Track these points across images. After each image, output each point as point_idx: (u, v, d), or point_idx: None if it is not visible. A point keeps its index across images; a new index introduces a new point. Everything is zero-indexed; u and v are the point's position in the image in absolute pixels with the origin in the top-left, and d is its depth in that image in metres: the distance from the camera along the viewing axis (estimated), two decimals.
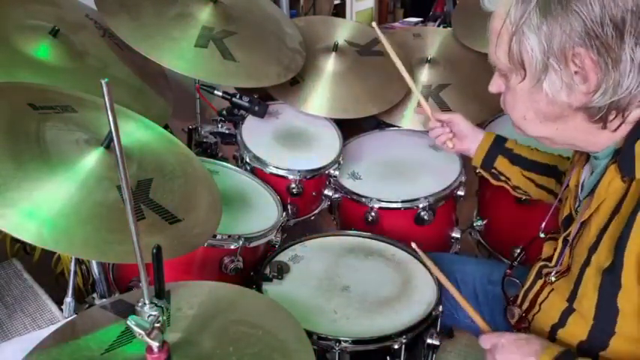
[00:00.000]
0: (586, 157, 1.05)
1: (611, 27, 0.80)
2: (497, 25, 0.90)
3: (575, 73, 0.85)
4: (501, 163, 1.40)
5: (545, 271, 1.08)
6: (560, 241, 1.05)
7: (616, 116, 0.87)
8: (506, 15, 0.87)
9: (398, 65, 1.55)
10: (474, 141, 1.44)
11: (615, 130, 0.89)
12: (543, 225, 1.16)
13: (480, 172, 1.49)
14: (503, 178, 1.41)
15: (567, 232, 1.03)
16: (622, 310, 0.90)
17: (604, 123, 0.88)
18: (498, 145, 1.40)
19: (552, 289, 1.05)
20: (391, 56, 1.56)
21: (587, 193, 1.00)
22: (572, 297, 0.98)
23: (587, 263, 0.94)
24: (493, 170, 1.41)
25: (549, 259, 1.09)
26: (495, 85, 1.00)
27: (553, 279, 1.04)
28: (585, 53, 0.82)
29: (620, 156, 0.90)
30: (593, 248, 0.93)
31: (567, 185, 1.10)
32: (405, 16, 3.87)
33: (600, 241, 0.91)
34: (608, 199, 0.91)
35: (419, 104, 1.58)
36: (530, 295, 1.10)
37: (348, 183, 1.78)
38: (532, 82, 0.89)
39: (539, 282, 1.09)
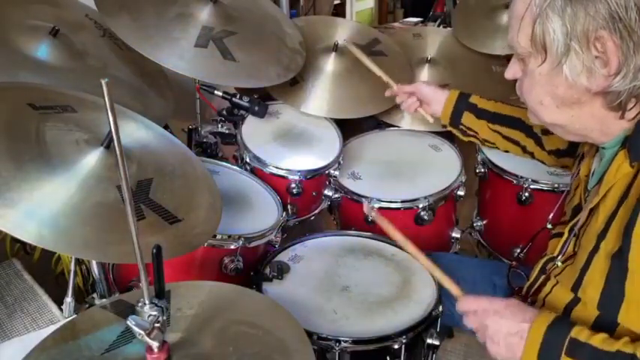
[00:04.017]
0: (596, 147, 1.05)
1: (635, 11, 0.81)
2: (520, 8, 0.91)
3: (596, 57, 0.86)
4: (468, 118, 1.44)
5: (549, 266, 1.08)
6: (566, 231, 1.05)
7: (635, 104, 0.88)
8: None
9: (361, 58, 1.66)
10: (440, 102, 1.50)
11: (632, 119, 0.90)
12: (551, 216, 1.16)
13: (449, 129, 1.54)
14: (471, 132, 1.46)
15: (575, 220, 1.04)
16: (627, 297, 0.90)
17: (623, 111, 0.89)
18: (463, 101, 1.45)
19: (556, 283, 1.05)
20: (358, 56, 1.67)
21: (595, 182, 1.01)
22: (576, 285, 0.98)
23: (595, 250, 0.94)
24: (461, 127, 1.46)
25: (555, 254, 1.09)
26: (511, 72, 1.01)
27: (559, 264, 1.04)
28: (608, 36, 0.83)
29: (630, 141, 0.90)
30: (601, 235, 0.93)
31: (577, 175, 1.10)
32: (405, 16, 3.87)
33: (609, 227, 0.92)
34: (617, 185, 0.92)
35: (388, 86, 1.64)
36: (534, 291, 1.10)
37: (348, 183, 1.78)
38: (552, 65, 0.90)
39: (543, 277, 1.09)
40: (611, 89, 0.86)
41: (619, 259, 0.89)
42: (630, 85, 0.85)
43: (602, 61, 0.85)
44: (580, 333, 0.90)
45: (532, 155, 1.38)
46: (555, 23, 0.86)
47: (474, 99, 1.44)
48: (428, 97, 1.51)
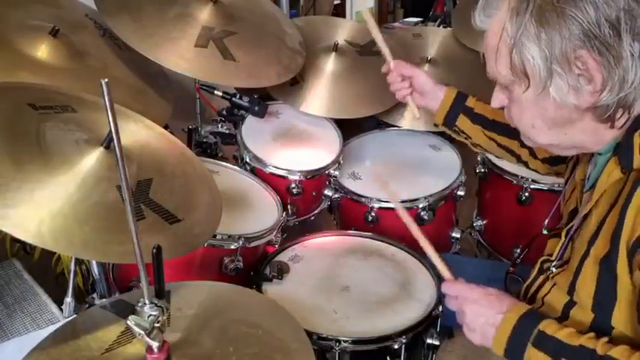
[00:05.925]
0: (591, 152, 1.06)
1: (608, 26, 0.82)
2: (493, 41, 0.92)
3: (579, 75, 0.86)
4: (463, 122, 1.40)
5: (546, 266, 1.08)
6: (563, 234, 1.06)
7: (623, 113, 0.88)
8: (502, 30, 0.89)
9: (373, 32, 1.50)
10: (434, 98, 1.43)
11: (622, 127, 0.91)
12: (546, 222, 1.16)
13: (442, 128, 1.48)
14: (463, 135, 1.42)
15: (570, 224, 1.04)
16: (619, 301, 0.91)
17: (612, 122, 0.90)
18: (460, 103, 1.41)
19: (554, 284, 1.05)
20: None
21: (589, 187, 1.02)
22: (571, 289, 0.99)
23: (586, 255, 0.95)
24: (455, 128, 1.42)
25: (552, 254, 1.09)
26: (497, 100, 1.01)
27: (554, 270, 1.05)
28: (587, 54, 0.84)
29: (620, 148, 0.91)
30: (592, 240, 0.94)
31: (572, 179, 1.11)
32: (405, 16, 3.86)
33: (599, 233, 0.93)
34: (608, 192, 0.92)
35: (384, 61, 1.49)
36: (533, 290, 1.11)
37: (348, 183, 1.78)
38: (537, 90, 0.90)
39: (542, 277, 1.09)
40: (600, 104, 0.87)
41: (607, 263, 0.90)
42: (617, 97, 0.85)
43: (586, 78, 0.86)
44: (548, 326, 0.93)
45: (526, 165, 1.38)
46: (533, 50, 0.86)
47: (470, 102, 1.40)
48: (425, 89, 1.45)
